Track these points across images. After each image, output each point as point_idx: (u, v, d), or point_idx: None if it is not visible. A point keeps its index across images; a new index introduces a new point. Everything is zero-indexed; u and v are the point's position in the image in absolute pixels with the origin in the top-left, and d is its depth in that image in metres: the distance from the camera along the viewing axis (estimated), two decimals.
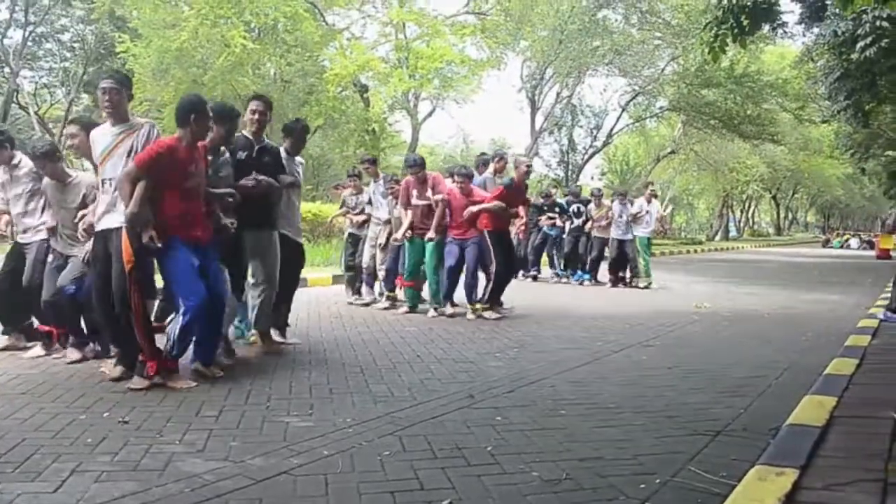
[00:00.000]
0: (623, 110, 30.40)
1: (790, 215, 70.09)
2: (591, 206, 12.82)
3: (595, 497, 2.63)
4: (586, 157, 31.14)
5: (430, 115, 28.42)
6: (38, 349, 5.28)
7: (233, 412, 3.76)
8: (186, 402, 3.94)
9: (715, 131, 29.13)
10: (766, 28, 15.92)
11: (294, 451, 3.12)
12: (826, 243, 41.64)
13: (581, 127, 31.41)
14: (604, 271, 12.37)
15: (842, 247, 38.53)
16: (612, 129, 30.99)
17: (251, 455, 3.06)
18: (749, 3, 7.91)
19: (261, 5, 20.03)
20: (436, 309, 7.78)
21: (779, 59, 30.76)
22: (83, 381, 4.41)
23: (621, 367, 5.07)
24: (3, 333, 5.60)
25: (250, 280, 5.41)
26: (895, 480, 2.44)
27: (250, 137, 5.32)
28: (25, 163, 5.39)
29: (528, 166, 8.45)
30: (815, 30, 16.25)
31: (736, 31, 7.94)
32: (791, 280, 14.54)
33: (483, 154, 9.75)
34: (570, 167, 30.28)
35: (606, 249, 12.30)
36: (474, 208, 7.60)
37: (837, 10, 13.32)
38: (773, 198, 57.02)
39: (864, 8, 11.29)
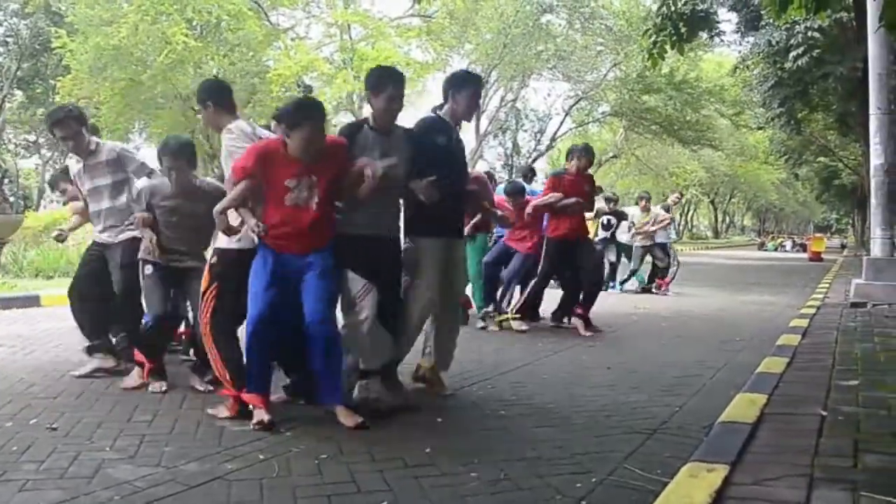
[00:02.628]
0: (566, 115, 30.84)
1: (727, 219, 71.96)
2: (635, 211, 11.83)
3: (532, 497, 2.64)
4: (530, 160, 31.44)
5: None
6: (134, 377, 4.36)
7: (167, 417, 3.68)
8: (118, 407, 3.84)
9: (656, 136, 29.77)
10: (703, 36, 16.39)
11: (229, 455, 3.06)
12: (761, 246, 42.84)
13: (525, 131, 31.80)
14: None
15: (776, 249, 39.72)
16: (555, 134, 31.41)
17: (185, 460, 2.99)
18: (687, 12, 8.13)
19: (204, 3, 19.66)
20: (484, 319, 7.10)
21: (717, 66, 31.58)
22: (10, 388, 4.26)
23: (562, 367, 5.13)
24: (88, 352, 4.75)
25: (422, 301, 4.12)
26: (821, 475, 2.51)
27: (447, 119, 4.24)
28: (104, 149, 4.68)
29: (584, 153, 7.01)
30: (751, 39, 16.78)
31: (674, 38, 8.14)
32: (728, 282, 14.91)
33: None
34: (515, 170, 30.55)
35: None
36: (538, 201, 6.87)
37: (772, 21, 13.73)
38: (712, 202, 58.49)
39: (796, 18, 11.67)
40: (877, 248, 9.40)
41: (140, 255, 4.41)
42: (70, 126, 4.55)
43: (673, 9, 8.02)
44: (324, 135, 3.60)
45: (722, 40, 17.82)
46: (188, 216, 4.36)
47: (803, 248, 35.73)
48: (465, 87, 4.24)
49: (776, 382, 4.01)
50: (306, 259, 3.61)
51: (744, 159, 40.85)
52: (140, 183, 4.64)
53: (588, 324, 6.82)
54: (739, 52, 19.99)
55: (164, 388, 4.23)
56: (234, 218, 3.67)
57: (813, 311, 8.04)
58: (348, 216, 3.78)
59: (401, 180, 3.87)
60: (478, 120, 28.72)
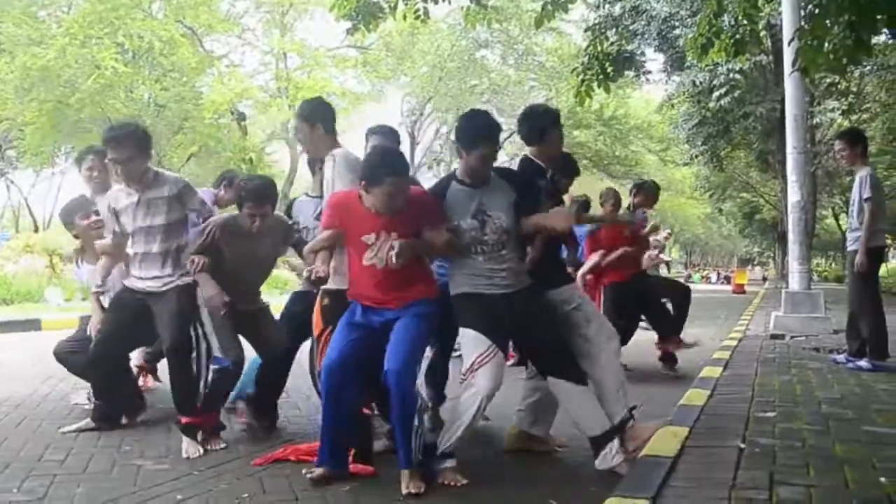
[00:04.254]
0: (500, 148, 31.24)
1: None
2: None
3: None
4: None
5: None
6: (193, 444, 3.82)
7: (80, 455, 3.54)
8: (29, 446, 3.68)
9: (586, 170, 30.39)
10: (630, 75, 16.95)
11: (145, 496, 2.96)
12: (688, 278, 44.02)
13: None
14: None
15: (702, 280, 40.84)
16: None
17: (98, 502, 2.87)
18: (613, 52, 8.39)
19: (135, 28, 19.33)
20: None
21: (645, 104, 32.57)
22: None
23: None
24: (94, 417, 4.22)
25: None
26: None
27: (538, 162, 3.88)
28: (166, 181, 4.04)
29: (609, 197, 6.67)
30: (677, 78, 17.37)
31: (601, 77, 8.39)
32: None
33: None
34: None
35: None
36: (585, 269, 6.34)
37: (695, 62, 14.30)
38: None
39: (718, 61, 12.16)
40: (794, 282, 9.77)
41: (203, 299, 4.02)
42: (128, 147, 3.91)
43: (599, 49, 8.31)
44: (406, 189, 3.33)
45: (648, 79, 18.43)
46: (260, 257, 4.17)
47: (728, 280, 36.87)
48: (557, 125, 3.95)
49: (698, 415, 4.10)
50: (397, 312, 3.36)
51: (671, 194, 42.10)
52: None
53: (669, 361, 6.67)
54: (666, 90, 20.72)
55: (223, 446, 3.87)
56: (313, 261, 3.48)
57: (735, 342, 8.27)
58: (456, 275, 3.49)
59: (510, 231, 3.54)
60: (412, 151, 28.90)
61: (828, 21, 5.59)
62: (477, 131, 3.44)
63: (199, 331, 4.09)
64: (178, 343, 3.93)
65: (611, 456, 3.37)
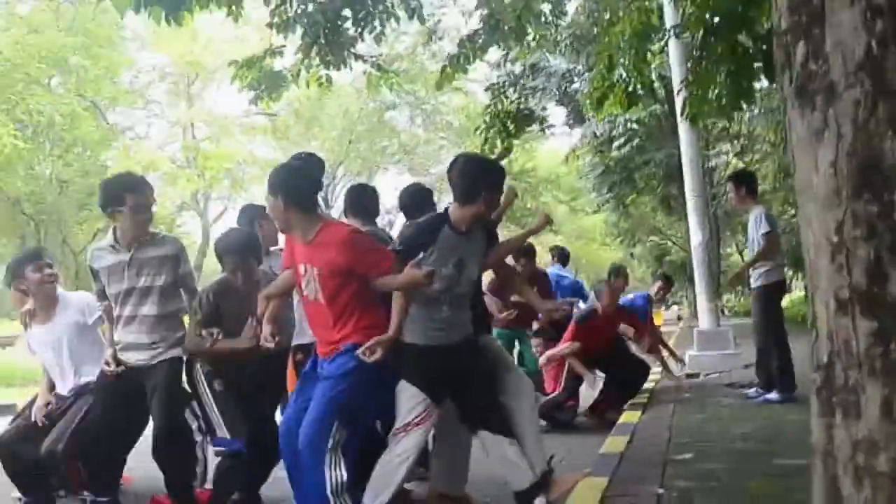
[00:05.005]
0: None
1: None
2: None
3: None
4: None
5: (221, 215, 27.80)
6: None
7: None
8: None
9: (500, 225, 30.92)
10: (535, 129, 17.50)
11: None
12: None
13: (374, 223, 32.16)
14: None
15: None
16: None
17: None
18: (513, 110, 8.67)
19: (34, 103, 18.85)
20: None
21: (552, 156, 33.56)
22: None
23: None
24: None
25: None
26: None
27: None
28: (167, 240, 3.93)
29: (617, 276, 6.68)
30: (579, 130, 18.06)
31: (503, 134, 8.65)
32: None
33: None
34: None
35: None
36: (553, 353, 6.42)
37: (593, 115, 14.92)
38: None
39: (615, 113, 12.69)
40: (704, 321, 10.10)
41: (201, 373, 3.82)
42: (148, 196, 3.77)
43: (500, 108, 8.60)
44: (277, 211, 3.22)
45: (552, 133, 19.07)
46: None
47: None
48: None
49: (617, 463, 4.14)
50: (327, 364, 3.21)
51: (583, 242, 43.16)
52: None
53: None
54: (570, 142, 21.46)
55: None
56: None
57: (653, 384, 8.41)
58: (411, 324, 3.29)
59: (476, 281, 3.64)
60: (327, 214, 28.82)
61: (711, 70, 5.96)
62: (483, 179, 3.38)
63: (199, 412, 3.92)
64: (170, 424, 3.69)
65: None
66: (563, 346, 6.38)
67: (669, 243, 34.24)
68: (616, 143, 15.49)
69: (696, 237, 10.22)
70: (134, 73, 23.19)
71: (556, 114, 26.88)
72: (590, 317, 6.52)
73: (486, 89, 10.82)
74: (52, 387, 4.30)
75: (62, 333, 4.32)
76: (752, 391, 6.45)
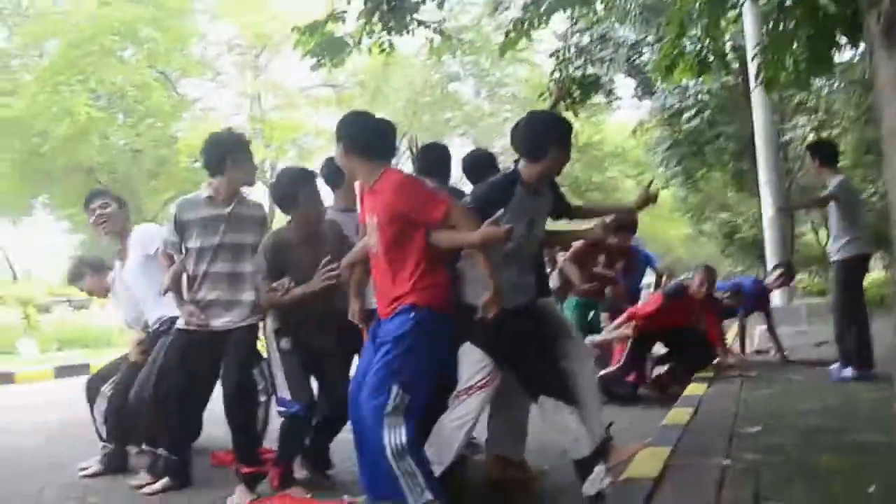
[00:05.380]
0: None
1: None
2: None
3: None
4: None
5: None
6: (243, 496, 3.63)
7: None
8: None
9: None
10: (602, 101, 17.10)
11: None
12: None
13: None
14: None
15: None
16: None
17: None
18: (579, 77, 8.46)
19: (108, 74, 19.32)
20: None
21: (619, 130, 32.86)
22: None
23: None
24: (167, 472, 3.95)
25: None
26: None
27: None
28: (253, 203, 4.00)
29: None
30: (647, 103, 17.57)
31: (568, 101, 8.46)
32: None
33: None
34: None
35: None
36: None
37: (666, 86, 14.45)
38: None
39: (687, 83, 12.31)
40: (776, 297, 9.78)
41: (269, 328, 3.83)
42: (251, 153, 3.98)
43: (566, 75, 8.40)
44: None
45: (619, 106, 18.60)
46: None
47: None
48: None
49: (680, 434, 4.03)
50: (384, 325, 3.12)
51: (651, 217, 42.34)
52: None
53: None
54: (638, 115, 20.91)
55: (308, 496, 3.60)
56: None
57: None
58: (477, 287, 3.17)
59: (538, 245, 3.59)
60: None
61: (788, 35, 5.68)
62: (551, 134, 3.33)
63: (266, 371, 3.99)
64: (244, 386, 3.76)
65: (599, 479, 3.21)
66: (617, 330, 6.29)
67: (740, 220, 33.35)
68: (686, 116, 14.99)
69: (768, 212, 9.90)
70: (204, 44, 23.51)
71: (624, 86, 26.31)
72: (678, 295, 6.38)
73: (552, 55, 10.58)
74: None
75: (132, 267, 4.47)
76: (833, 368, 6.07)
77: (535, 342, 3.38)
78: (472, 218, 3.00)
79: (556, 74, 8.61)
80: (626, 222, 6.12)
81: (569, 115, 8.85)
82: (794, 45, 5.72)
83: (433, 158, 4.15)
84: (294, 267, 3.76)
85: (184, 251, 3.84)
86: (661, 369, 6.70)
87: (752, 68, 9.61)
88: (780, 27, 5.67)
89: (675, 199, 29.47)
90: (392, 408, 2.93)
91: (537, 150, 3.29)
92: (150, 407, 3.95)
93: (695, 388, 5.74)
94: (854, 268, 5.84)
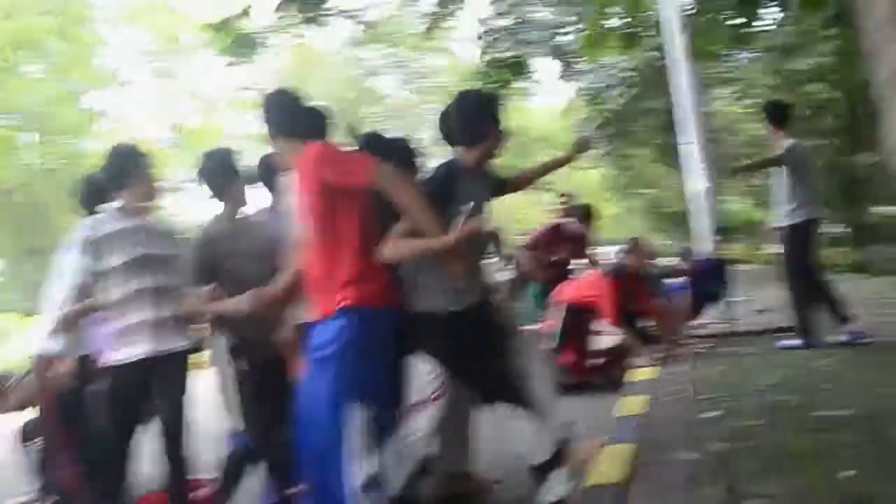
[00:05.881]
0: None
1: None
2: None
3: None
4: None
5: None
6: None
7: None
8: None
9: None
10: (525, 85, 16.95)
11: None
12: None
13: None
14: None
15: None
16: None
17: None
18: (506, 59, 8.29)
19: (13, 89, 18.37)
20: None
21: (544, 113, 32.97)
22: None
23: None
24: None
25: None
26: None
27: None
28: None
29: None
30: (573, 85, 17.53)
31: (498, 84, 8.28)
32: None
33: None
34: None
35: None
36: None
37: (591, 66, 14.42)
38: None
39: (612, 61, 12.25)
40: None
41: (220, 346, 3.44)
42: (153, 164, 3.61)
43: (493, 57, 8.20)
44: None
45: (543, 89, 18.55)
46: (265, 254, 3.39)
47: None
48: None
49: (640, 426, 3.81)
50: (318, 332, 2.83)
51: (581, 199, 42.76)
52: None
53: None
54: (563, 99, 20.92)
55: None
56: None
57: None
58: (424, 287, 2.99)
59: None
60: None
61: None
62: (489, 112, 3.14)
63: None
64: (182, 419, 3.35)
65: (556, 485, 2.99)
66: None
67: (666, 195, 33.88)
68: (612, 94, 15.00)
69: (692, 185, 9.85)
70: (110, 53, 22.60)
71: (548, 69, 26.30)
72: (619, 274, 6.20)
73: (479, 37, 10.41)
74: None
75: None
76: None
77: (487, 345, 3.15)
78: (406, 184, 2.74)
79: (485, 57, 8.40)
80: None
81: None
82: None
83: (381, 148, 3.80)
84: (226, 269, 3.38)
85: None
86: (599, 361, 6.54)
87: (676, 41, 9.56)
88: None
89: (604, 178, 29.74)
90: (355, 432, 2.64)
91: (474, 134, 3.10)
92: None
93: (644, 373, 5.56)
94: (804, 233, 5.70)
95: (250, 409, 3.35)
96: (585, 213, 7.97)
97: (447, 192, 2.94)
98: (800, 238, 5.72)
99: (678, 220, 39.37)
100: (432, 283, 2.98)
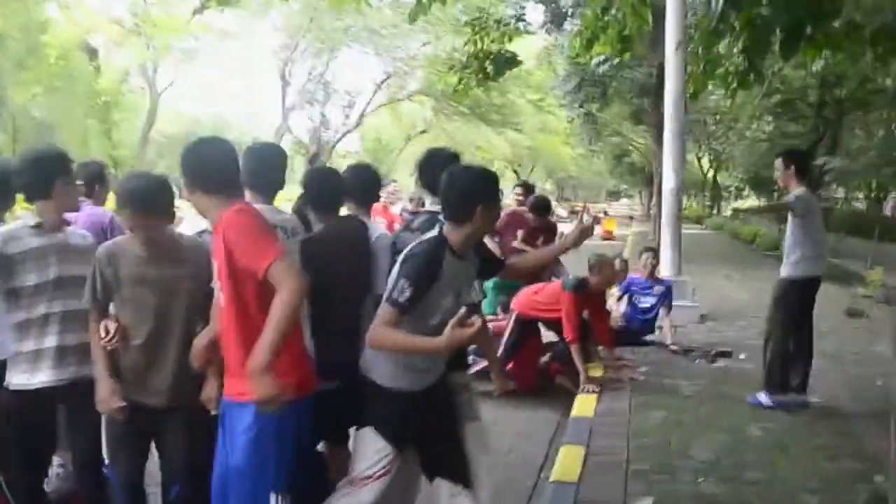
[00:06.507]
0: (378, 89, 30.40)
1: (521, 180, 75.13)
2: None
3: None
4: (339, 135, 30.79)
5: (170, 85, 26.24)
6: None
7: None
8: None
9: (463, 117, 30.12)
10: (511, 26, 16.47)
11: None
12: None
13: (334, 104, 31.02)
14: None
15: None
16: (364, 109, 30.92)
17: None
18: (494, 51, 7.95)
19: None
20: None
21: (523, 50, 32.33)
22: None
23: None
24: None
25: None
26: None
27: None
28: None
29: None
30: (557, 36, 17.06)
31: (480, 76, 7.97)
32: None
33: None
34: (323, 145, 29.76)
35: None
36: None
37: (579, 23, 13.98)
38: (515, 171, 60.72)
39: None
40: (666, 270, 9.84)
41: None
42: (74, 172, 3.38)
43: (480, 47, 7.84)
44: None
45: (529, 33, 17.96)
46: (172, 290, 3.06)
47: (597, 220, 37.50)
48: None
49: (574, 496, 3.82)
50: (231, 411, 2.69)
51: (546, 134, 42.63)
52: None
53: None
54: (545, 40, 20.39)
55: None
56: None
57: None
58: (389, 363, 2.90)
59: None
60: (284, 92, 27.59)
61: (719, 48, 5.36)
62: (480, 194, 2.89)
63: None
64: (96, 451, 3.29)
65: None
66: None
67: (631, 147, 34.05)
68: (595, 60, 14.64)
69: (669, 182, 9.86)
70: None
71: (535, 13, 25.55)
72: (579, 289, 6.09)
73: (465, 24, 9.88)
74: None
75: None
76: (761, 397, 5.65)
77: (444, 424, 3.11)
78: (293, 278, 2.45)
79: (469, 46, 8.02)
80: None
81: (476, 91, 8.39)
82: (730, 56, 5.43)
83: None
84: (129, 299, 3.04)
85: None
86: (544, 358, 6.61)
87: (670, 32, 9.36)
88: (713, 35, 5.30)
89: (573, 124, 29.65)
90: None
91: (463, 214, 2.88)
92: None
93: (584, 406, 5.60)
94: (798, 290, 5.51)
95: (117, 444, 3.18)
96: (542, 206, 7.91)
97: (431, 273, 2.80)
98: (796, 294, 5.53)
99: (637, 172, 39.56)
100: (400, 362, 2.89)
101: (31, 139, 22.93)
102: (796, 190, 5.51)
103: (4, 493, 3.36)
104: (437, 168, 3.25)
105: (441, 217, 3.04)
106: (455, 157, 3.52)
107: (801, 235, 5.45)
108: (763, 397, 5.59)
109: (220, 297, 2.67)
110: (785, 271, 5.56)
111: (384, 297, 2.79)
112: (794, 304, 5.56)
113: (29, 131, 21.94)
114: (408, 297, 2.71)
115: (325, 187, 3.50)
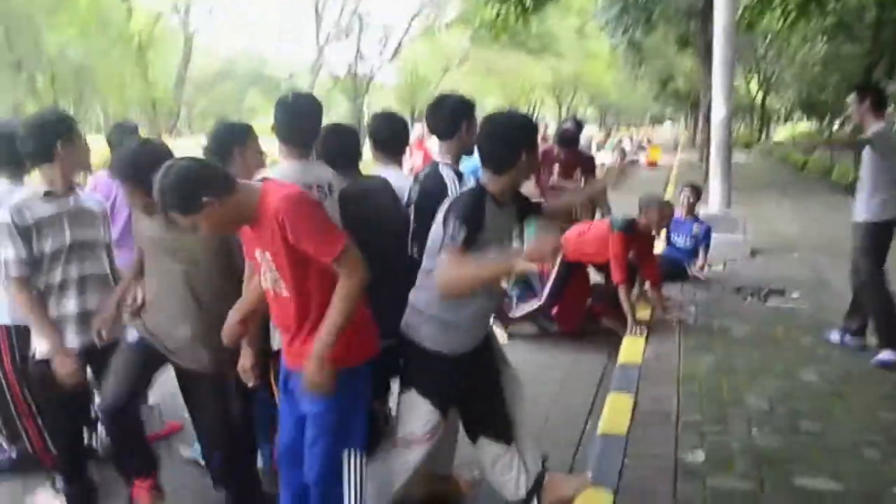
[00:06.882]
0: (413, 18, 29.74)
1: (570, 113, 73.51)
2: None
3: None
4: (375, 68, 30.33)
5: (204, 23, 25.91)
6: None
7: None
8: None
9: (503, 46, 29.28)
10: None
11: None
12: (599, 148, 43.52)
13: (369, 37, 30.49)
14: None
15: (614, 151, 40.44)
16: (401, 40, 30.33)
17: None
18: None
19: None
20: None
21: None
22: None
23: None
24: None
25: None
26: None
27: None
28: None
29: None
30: None
31: (519, 7, 7.57)
32: None
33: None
34: (359, 78, 29.36)
35: None
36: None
37: None
38: (556, 98, 59.45)
39: None
40: (714, 203, 9.56)
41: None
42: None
43: None
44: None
45: None
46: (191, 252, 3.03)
47: (642, 149, 36.46)
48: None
49: (620, 466, 3.67)
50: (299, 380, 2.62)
51: (588, 59, 41.45)
52: None
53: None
54: None
55: None
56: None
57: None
58: (440, 325, 2.85)
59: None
60: (318, 27, 27.12)
61: None
62: (522, 141, 2.83)
63: None
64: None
65: None
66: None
67: (676, 72, 33.03)
68: None
69: (718, 112, 9.46)
70: None
71: None
72: (627, 230, 5.83)
73: None
74: None
75: None
76: (834, 335, 5.52)
77: (486, 383, 3.14)
78: (360, 269, 2.48)
79: None
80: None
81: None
82: None
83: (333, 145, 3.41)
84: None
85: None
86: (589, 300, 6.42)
87: None
88: None
89: (614, 50, 28.70)
90: (350, 473, 2.71)
91: (507, 161, 2.82)
92: None
93: (631, 351, 5.44)
94: (881, 233, 5.11)
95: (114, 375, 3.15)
96: (567, 139, 7.42)
97: (477, 217, 2.72)
98: (876, 238, 5.13)
99: (683, 98, 38.40)
100: (447, 321, 2.84)
101: (70, 83, 23.10)
102: (874, 126, 5.08)
103: (47, 445, 3.45)
104: (447, 114, 3.28)
105: (440, 167, 3.17)
106: (465, 102, 3.38)
107: (883, 174, 5.03)
108: (888, 355, 5.05)
109: (276, 283, 2.58)
110: (867, 216, 5.13)
111: (439, 248, 2.69)
112: (883, 247, 5.16)
113: (67, 76, 22.08)
114: (464, 235, 2.64)
115: (346, 145, 3.43)
